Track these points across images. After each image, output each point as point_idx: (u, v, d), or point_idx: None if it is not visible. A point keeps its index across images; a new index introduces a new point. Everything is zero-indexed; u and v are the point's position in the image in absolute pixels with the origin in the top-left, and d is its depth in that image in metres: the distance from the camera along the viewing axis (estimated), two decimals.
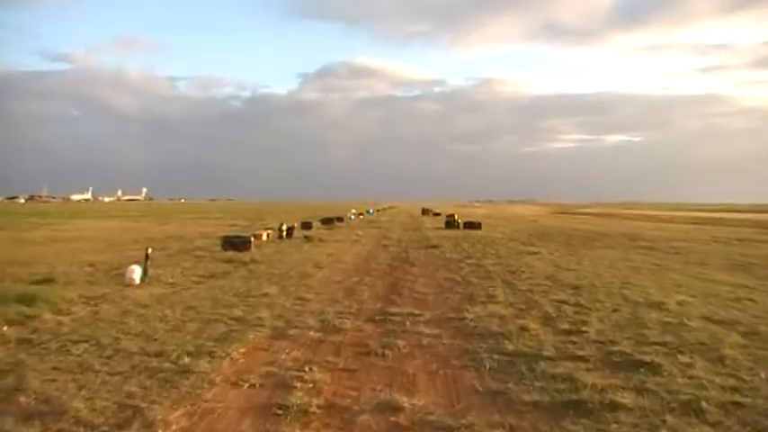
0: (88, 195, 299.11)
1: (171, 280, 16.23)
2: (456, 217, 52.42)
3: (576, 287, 16.01)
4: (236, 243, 25.07)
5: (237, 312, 11.66)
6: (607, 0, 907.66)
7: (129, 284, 15.21)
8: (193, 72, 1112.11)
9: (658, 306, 13.33)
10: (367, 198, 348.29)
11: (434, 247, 28.80)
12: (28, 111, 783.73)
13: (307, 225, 42.64)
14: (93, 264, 19.67)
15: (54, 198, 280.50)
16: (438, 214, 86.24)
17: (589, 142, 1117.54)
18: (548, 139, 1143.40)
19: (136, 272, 15.50)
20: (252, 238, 25.67)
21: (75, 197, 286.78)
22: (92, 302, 12.70)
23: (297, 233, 36.24)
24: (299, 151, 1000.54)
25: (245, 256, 22.55)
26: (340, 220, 56.60)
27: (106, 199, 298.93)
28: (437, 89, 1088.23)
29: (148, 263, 16.32)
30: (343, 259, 22.51)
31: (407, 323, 11.13)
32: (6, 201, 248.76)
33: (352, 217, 69.99)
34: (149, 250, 16.55)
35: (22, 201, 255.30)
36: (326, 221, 51.03)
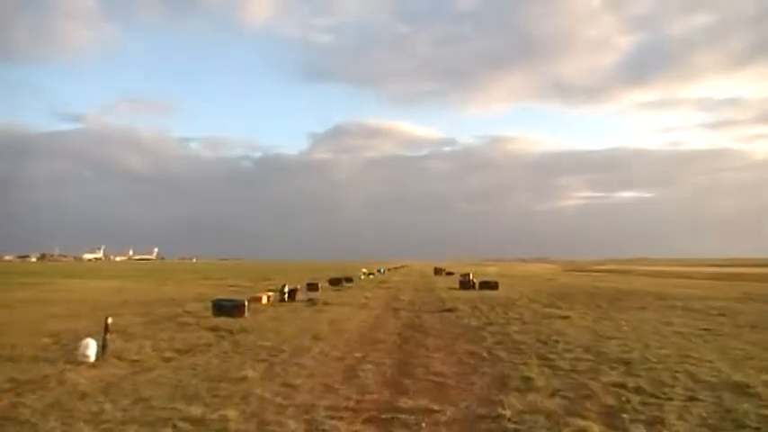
0: (100, 254, 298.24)
1: (135, 356, 13.34)
2: (471, 276, 49.40)
3: (626, 363, 13.01)
4: (227, 308, 22.25)
5: (197, 410, 8.71)
6: (613, 58, 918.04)
7: (83, 362, 12.38)
8: (205, 133, 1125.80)
9: (743, 390, 10.37)
10: (378, 257, 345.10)
11: (450, 310, 25.77)
12: (42, 170, 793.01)
13: (312, 286, 39.77)
14: (55, 334, 16.81)
15: (65, 257, 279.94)
16: (451, 273, 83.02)
17: (600, 199, 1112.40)
18: (558, 197, 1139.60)
19: (90, 347, 12.65)
20: (246, 303, 22.80)
21: (87, 256, 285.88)
22: (17, 390, 9.85)
23: (301, 295, 33.46)
24: (310, 211, 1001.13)
25: (235, 323, 19.69)
26: (349, 280, 53.72)
27: (118, 258, 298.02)
28: (447, 148, 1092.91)
29: (108, 336, 13.44)
30: (347, 327, 19.54)
31: (423, 425, 8.18)
32: (18, 260, 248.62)
33: (362, 276, 67.05)
34: (109, 320, 13.67)
35: (34, 259, 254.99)
36: (334, 282, 48.13)
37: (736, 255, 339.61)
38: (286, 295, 30.64)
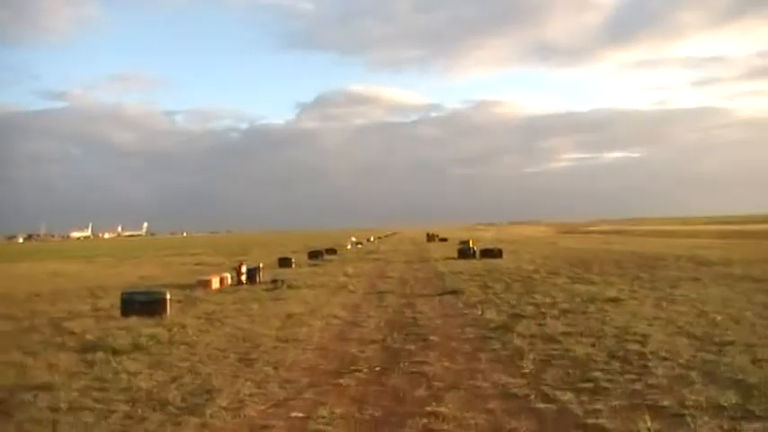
0: (88, 232, 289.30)
1: None
2: (471, 243, 42.76)
3: None
4: (141, 304, 15.47)
5: None
6: (595, 18, 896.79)
7: None
8: (191, 106, 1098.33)
9: None
10: (369, 225, 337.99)
11: (454, 293, 19.02)
12: (27, 150, 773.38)
13: (285, 262, 32.96)
14: None
15: (53, 236, 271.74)
16: (445, 240, 76.39)
17: (588, 160, 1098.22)
18: (547, 159, 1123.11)
19: None
20: (167, 297, 15.88)
21: (75, 234, 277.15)
22: None
23: (269, 274, 26.92)
24: (299, 180, 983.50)
25: (139, 329, 12.97)
26: (332, 251, 46.96)
27: (107, 235, 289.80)
28: (434, 114, 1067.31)
29: None
30: (303, 333, 12.71)
31: None
32: (6, 240, 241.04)
33: (349, 246, 60.35)
34: None
35: (21, 240, 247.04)
36: (314, 255, 41.15)
37: (724, 212, 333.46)
38: (244, 276, 23.90)
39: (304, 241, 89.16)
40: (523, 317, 13.94)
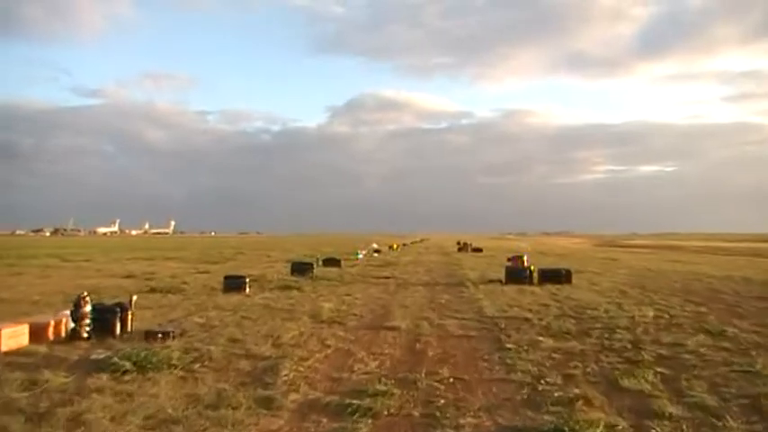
0: (115, 228, 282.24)
1: None
2: (526, 260, 29.59)
3: None
4: None
5: None
6: (628, 30, 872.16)
7: None
8: (223, 106, 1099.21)
9: None
10: (397, 230, 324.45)
11: None
12: (61, 145, 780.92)
13: (234, 283, 20.22)
14: None
15: (79, 231, 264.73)
16: (478, 250, 63.16)
17: (621, 173, 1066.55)
18: (579, 171, 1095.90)
19: None
20: None
21: (102, 230, 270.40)
22: None
23: (195, 304, 14.51)
24: (330, 184, 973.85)
25: None
26: (334, 262, 34.23)
27: (134, 232, 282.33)
28: (464, 121, 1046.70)
29: None
30: None
31: None
32: (32, 234, 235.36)
33: (361, 256, 47.36)
34: None
35: (48, 234, 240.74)
36: (299, 269, 28.02)
37: (757, 229, 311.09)
38: (87, 321, 11.31)
39: (321, 246, 76.95)
40: None
